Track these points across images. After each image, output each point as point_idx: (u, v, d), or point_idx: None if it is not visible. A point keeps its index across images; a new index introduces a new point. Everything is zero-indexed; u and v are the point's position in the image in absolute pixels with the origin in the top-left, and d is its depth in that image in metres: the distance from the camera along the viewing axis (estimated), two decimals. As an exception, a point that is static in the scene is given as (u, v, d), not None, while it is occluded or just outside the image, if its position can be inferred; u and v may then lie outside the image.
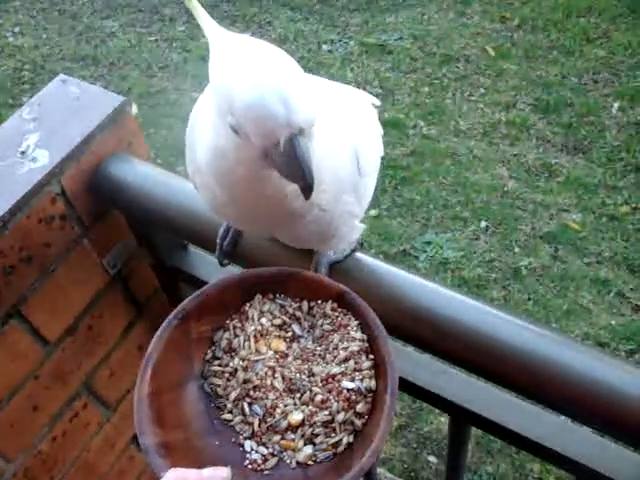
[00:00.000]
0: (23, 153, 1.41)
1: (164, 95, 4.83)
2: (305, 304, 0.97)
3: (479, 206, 3.87)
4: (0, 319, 1.40)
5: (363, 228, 1.08)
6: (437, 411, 3.03)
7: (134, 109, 4.38)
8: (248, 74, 0.75)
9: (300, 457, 0.87)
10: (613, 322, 3.31)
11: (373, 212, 3.80)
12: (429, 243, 3.70)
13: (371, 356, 0.91)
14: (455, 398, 1.26)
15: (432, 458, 2.92)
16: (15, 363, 1.49)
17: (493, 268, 3.58)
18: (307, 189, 0.79)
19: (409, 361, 1.31)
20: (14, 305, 1.42)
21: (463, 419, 1.32)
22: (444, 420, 2.99)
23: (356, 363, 0.90)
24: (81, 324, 1.61)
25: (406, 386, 1.30)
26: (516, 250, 3.65)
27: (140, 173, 1.43)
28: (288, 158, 0.76)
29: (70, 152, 1.40)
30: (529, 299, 3.43)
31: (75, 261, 1.52)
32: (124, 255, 1.64)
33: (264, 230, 1.07)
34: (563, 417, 1.23)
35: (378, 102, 1.13)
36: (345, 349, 0.91)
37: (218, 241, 1.26)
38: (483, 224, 3.79)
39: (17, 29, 5.51)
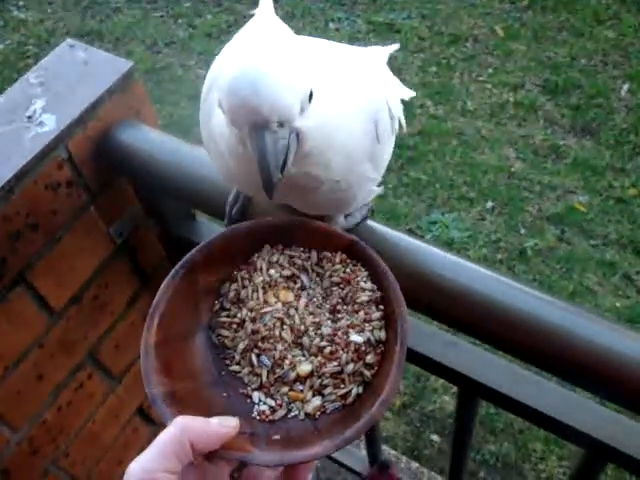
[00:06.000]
0: (29, 118, 1.39)
1: (169, 71, 4.79)
2: (314, 254, 0.95)
3: (485, 186, 3.85)
4: (6, 286, 1.39)
5: (379, 191, 1.06)
6: (441, 390, 3.03)
7: (139, 85, 4.34)
8: (241, 57, 0.76)
9: (309, 408, 0.85)
10: (618, 304, 3.30)
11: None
12: (435, 223, 3.68)
13: (381, 307, 0.89)
14: (465, 370, 1.25)
15: (435, 437, 2.92)
16: (20, 331, 1.48)
17: (499, 248, 3.56)
18: (267, 188, 0.77)
19: (419, 332, 1.29)
20: (20, 272, 1.41)
21: (472, 392, 1.31)
22: (448, 399, 2.99)
23: (366, 314, 0.88)
24: (86, 293, 1.59)
25: (415, 357, 1.29)
26: (522, 231, 3.63)
27: (149, 140, 1.41)
28: (252, 148, 0.76)
29: (77, 117, 1.38)
30: (534, 280, 3.41)
31: (81, 229, 1.50)
32: (131, 224, 1.62)
33: (278, 197, 1.04)
34: (575, 389, 1.22)
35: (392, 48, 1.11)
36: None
37: (227, 208, 1.24)
38: (489, 204, 3.76)
39: (22, 3, 5.46)
